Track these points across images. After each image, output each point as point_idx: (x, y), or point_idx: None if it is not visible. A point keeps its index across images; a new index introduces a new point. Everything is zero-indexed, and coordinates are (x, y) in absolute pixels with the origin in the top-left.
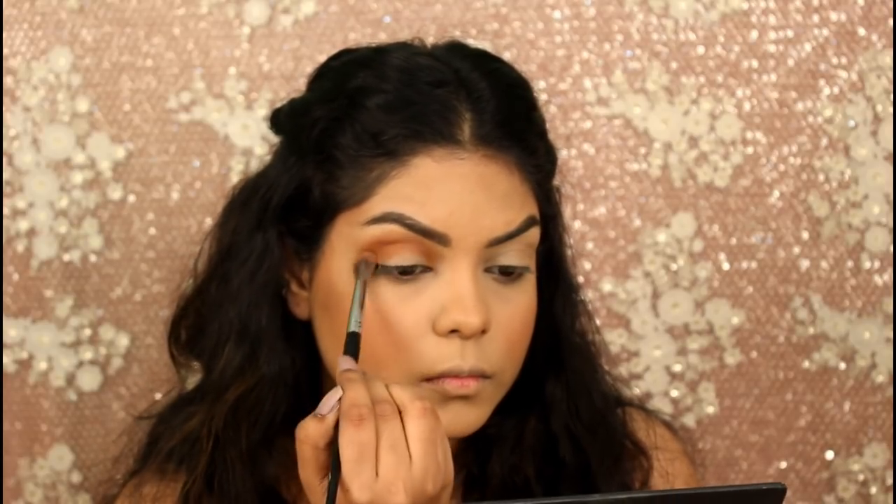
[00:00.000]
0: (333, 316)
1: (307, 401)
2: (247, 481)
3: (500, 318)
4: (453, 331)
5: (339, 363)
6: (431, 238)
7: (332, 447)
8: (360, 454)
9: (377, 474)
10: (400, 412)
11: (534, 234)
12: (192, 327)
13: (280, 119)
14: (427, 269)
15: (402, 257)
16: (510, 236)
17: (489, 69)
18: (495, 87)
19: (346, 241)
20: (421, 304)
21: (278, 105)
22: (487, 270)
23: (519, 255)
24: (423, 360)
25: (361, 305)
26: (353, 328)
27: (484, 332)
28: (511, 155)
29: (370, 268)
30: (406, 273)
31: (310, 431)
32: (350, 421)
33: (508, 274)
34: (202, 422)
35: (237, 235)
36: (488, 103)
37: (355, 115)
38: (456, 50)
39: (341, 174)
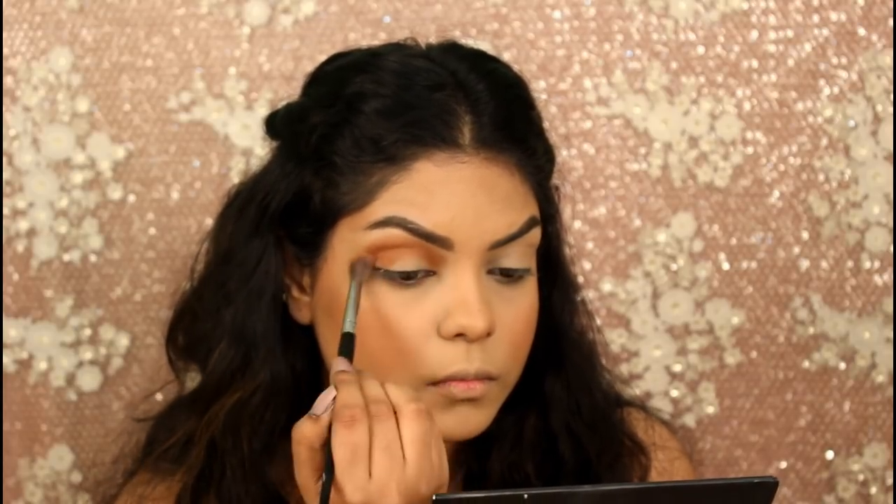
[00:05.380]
0: (338, 320)
1: (309, 406)
2: (248, 487)
3: (504, 319)
4: (458, 334)
5: (334, 364)
6: (434, 242)
7: (326, 448)
8: (352, 455)
9: (371, 475)
10: (395, 413)
11: (535, 234)
12: (189, 332)
13: (276, 124)
14: (430, 273)
15: (404, 262)
16: (512, 238)
17: (486, 70)
18: (494, 89)
19: (348, 245)
20: (425, 308)
21: (273, 110)
22: (490, 272)
23: (520, 256)
24: (429, 365)
25: (356, 306)
26: (347, 329)
27: (489, 334)
28: (512, 156)
29: (367, 269)
30: (409, 278)
31: (305, 432)
32: (342, 422)
33: (510, 275)
34: (198, 426)
35: (234, 241)
36: (487, 105)
37: (354, 120)
38: (451, 51)
39: (341, 180)
